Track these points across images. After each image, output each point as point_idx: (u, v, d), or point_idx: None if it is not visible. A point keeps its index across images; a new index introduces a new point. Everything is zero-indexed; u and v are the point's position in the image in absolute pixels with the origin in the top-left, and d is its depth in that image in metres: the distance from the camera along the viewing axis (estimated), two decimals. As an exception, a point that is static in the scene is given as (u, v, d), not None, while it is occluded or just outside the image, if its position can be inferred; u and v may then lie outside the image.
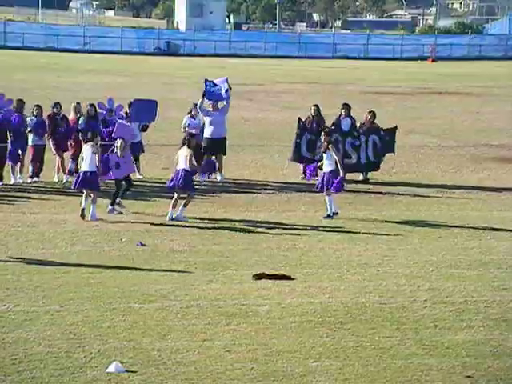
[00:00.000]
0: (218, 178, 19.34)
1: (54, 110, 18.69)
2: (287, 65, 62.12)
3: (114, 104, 19.10)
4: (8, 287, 11.53)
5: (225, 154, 19.54)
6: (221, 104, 19.60)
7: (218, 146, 19.25)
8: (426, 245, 14.60)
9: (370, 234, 15.22)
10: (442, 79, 52.60)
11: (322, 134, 16.63)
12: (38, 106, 18.68)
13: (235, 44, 73.33)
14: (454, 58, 74.55)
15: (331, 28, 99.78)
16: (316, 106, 20.00)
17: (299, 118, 19.79)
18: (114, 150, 16.13)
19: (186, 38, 73.46)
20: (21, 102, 18.50)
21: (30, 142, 18.44)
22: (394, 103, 36.96)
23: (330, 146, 16.20)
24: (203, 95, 19.41)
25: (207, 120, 19.28)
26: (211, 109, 19.35)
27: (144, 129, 19.33)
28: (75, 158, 18.59)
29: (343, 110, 19.96)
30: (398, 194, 18.80)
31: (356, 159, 19.73)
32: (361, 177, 20.00)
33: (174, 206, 15.65)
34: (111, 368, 9.03)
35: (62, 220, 15.36)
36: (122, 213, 15.91)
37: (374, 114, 20.22)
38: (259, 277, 12.41)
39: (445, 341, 10.16)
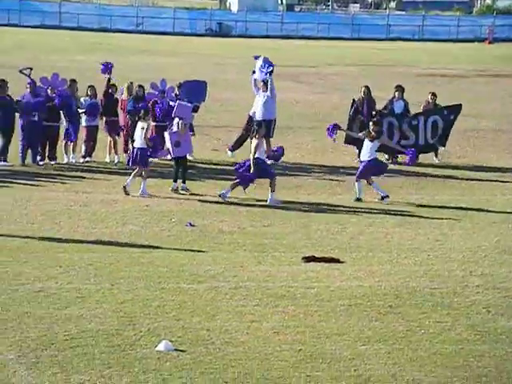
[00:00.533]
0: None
1: (110, 90, 18.81)
2: (340, 46, 61.68)
3: (167, 85, 19.14)
4: (61, 265, 11.67)
5: (271, 137, 19.35)
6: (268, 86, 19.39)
7: (265, 128, 19.08)
8: (478, 230, 14.40)
9: (421, 218, 15.06)
10: (499, 61, 51.72)
11: (371, 122, 16.47)
12: (91, 86, 18.80)
13: (287, 25, 72.92)
14: (513, 40, 73.03)
15: (385, 9, 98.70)
16: (366, 86, 19.81)
17: (353, 99, 19.59)
18: (172, 128, 16.37)
19: (237, 19, 73.33)
20: (74, 82, 18.64)
21: (83, 123, 18.59)
22: (449, 86, 36.44)
23: (381, 136, 16.06)
24: (253, 72, 19.30)
25: (258, 101, 19.12)
26: (261, 90, 19.19)
27: (195, 110, 19.34)
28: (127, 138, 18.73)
29: (397, 93, 19.79)
30: (452, 177, 18.57)
31: (414, 140, 19.54)
32: (436, 160, 19.89)
33: (233, 188, 15.67)
34: (161, 346, 9.10)
35: (113, 200, 15.49)
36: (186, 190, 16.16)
37: (435, 96, 20.10)
38: (308, 259, 12.37)
39: (498, 327, 10.02)
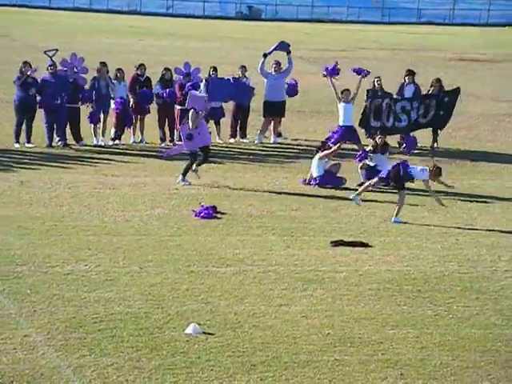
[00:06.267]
0: (272, 139, 19.43)
1: (138, 71, 18.80)
2: (370, 30, 61.27)
3: (191, 68, 19.08)
4: (90, 248, 11.76)
5: (283, 117, 19.52)
6: (283, 67, 19.52)
7: (277, 109, 19.29)
8: (508, 214, 14.29)
9: (450, 202, 14.96)
10: (530, 45, 51.02)
11: (378, 137, 16.43)
12: (119, 69, 18.81)
13: (317, 9, 72.54)
14: (547, 24, 71.94)
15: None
16: (378, 77, 19.67)
17: (367, 90, 19.53)
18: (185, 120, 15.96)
19: (267, 3, 73.04)
20: (104, 66, 18.64)
21: (112, 105, 18.62)
22: (480, 70, 36.08)
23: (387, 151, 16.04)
24: (264, 55, 19.40)
25: (267, 83, 19.39)
26: (272, 71, 19.35)
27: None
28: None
29: (407, 77, 19.67)
30: (481, 162, 18.42)
31: (406, 122, 19.22)
32: (435, 145, 19.60)
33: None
34: (189, 329, 9.14)
35: (142, 183, 15.55)
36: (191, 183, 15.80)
37: (439, 81, 19.67)
38: (337, 243, 12.36)
39: (526, 313, 9.96)
